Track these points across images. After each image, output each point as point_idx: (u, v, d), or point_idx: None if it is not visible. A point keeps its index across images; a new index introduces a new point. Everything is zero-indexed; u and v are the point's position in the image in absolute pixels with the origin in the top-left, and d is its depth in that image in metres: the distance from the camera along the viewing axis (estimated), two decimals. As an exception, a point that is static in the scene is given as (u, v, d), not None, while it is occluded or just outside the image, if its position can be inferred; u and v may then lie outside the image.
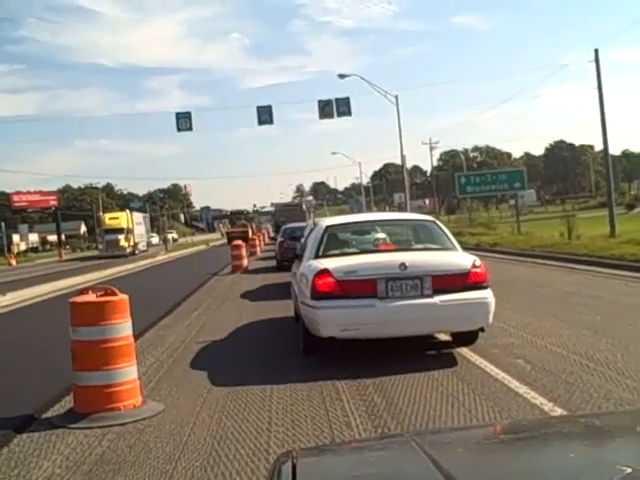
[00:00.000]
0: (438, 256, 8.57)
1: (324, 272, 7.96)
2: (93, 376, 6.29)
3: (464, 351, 8.38)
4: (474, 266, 8.06)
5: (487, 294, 8.05)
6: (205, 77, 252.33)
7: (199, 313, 13.98)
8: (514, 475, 1.67)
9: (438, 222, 9.88)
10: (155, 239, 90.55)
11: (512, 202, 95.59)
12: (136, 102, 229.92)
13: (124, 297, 6.53)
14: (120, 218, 62.48)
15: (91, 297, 6.48)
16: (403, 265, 7.78)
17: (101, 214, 69.11)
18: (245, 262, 26.40)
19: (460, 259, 8.40)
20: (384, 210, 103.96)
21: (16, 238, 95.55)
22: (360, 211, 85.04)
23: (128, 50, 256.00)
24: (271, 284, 19.50)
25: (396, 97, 49.24)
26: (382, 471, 1.80)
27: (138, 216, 71.11)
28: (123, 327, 6.44)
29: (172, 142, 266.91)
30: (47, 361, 9.50)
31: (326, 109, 42.07)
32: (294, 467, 1.81)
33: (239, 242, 27.47)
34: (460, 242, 30.36)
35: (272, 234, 60.72)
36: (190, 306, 15.39)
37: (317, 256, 8.82)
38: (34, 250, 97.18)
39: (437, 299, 7.74)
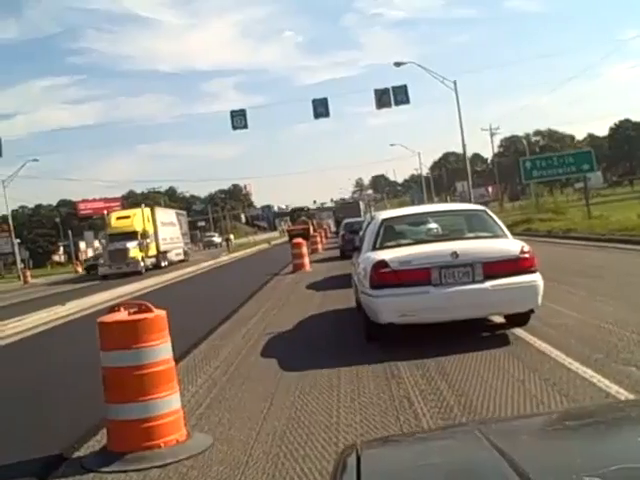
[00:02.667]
0: (488, 244, 8.81)
1: (381, 263, 8.39)
2: (128, 409, 5.35)
3: (561, 357, 7.15)
4: (522, 252, 8.34)
5: (536, 277, 8.27)
6: (260, 77, 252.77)
7: (258, 319, 13.03)
8: (581, 461, 1.60)
9: (489, 211, 10.15)
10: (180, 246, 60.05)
11: (577, 185, 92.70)
12: (194, 105, 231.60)
13: (161, 313, 5.57)
14: (132, 217, 44.12)
15: (122, 315, 5.54)
16: (455, 254, 8.13)
17: (105, 213, 49.38)
18: (306, 260, 25.41)
19: (509, 246, 8.64)
20: (445, 200, 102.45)
21: (82, 245, 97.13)
22: (421, 202, 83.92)
23: (185, 55, 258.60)
24: (333, 279, 18.57)
25: (454, 83, 47.71)
26: (447, 460, 1.78)
27: (167, 214, 52.98)
28: (161, 349, 5.48)
29: (232, 143, 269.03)
30: (95, 381, 8.64)
31: (383, 98, 40.85)
32: (358, 459, 1.79)
33: (299, 240, 26.56)
34: (530, 229, 28.95)
35: (333, 229, 66.83)
36: (249, 311, 14.47)
37: (374, 248, 9.22)
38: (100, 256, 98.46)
39: (488, 284, 8.05)
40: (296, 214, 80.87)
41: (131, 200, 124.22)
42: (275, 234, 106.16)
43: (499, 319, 9.24)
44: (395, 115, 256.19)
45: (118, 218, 44.89)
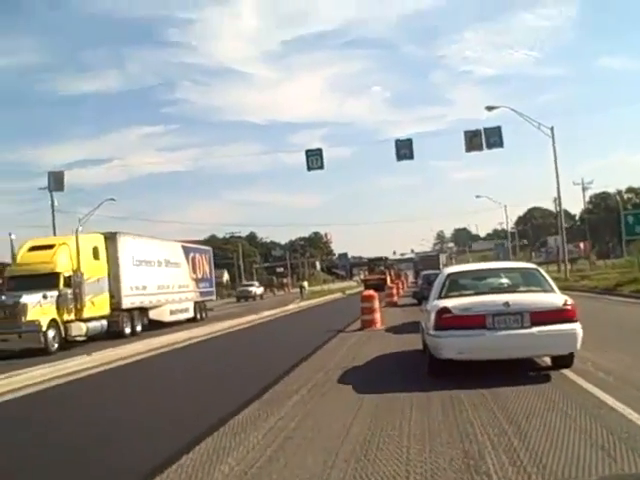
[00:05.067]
0: (536, 296, 10.14)
1: (445, 309, 9.88)
2: None
3: None
4: (565, 304, 9.69)
5: (575, 326, 9.57)
6: (347, 130, 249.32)
7: (299, 399, 9.56)
8: None
9: (540, 269, 11.45)
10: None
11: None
12: (281, 155, 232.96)
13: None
14: (56, 249, 24.85)
15: None
16: (507, 303, 9.57)
17: (11, 238, 26.71)
18: (377, 316, 21.73)
19: (554, 299, 9.92)
20: (530, 256, 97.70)
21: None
22: (506, 257, 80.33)
23: (274, 107, 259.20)
24: (408, 339, 14.52)
25: (551, 129, 44.08)
26: None
27: (157, 247, 32.70)
28: None
29: (318, 193, 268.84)
30: None
31: (474, 141, 37.33)
32: None
33: (370, 292, 22.94)
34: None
35: (412, 279, 70.42)
36: (293, 383, 10.97)
37: (440, 297, 10.59)
38: None
39: (534, 330, 9.40)
40: (373, 263, 77.82)
41: (211, 244, 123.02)
42: (352, 283, 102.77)
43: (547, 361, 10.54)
44: (477, 171, 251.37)
45: (32, 249, 25.37)
